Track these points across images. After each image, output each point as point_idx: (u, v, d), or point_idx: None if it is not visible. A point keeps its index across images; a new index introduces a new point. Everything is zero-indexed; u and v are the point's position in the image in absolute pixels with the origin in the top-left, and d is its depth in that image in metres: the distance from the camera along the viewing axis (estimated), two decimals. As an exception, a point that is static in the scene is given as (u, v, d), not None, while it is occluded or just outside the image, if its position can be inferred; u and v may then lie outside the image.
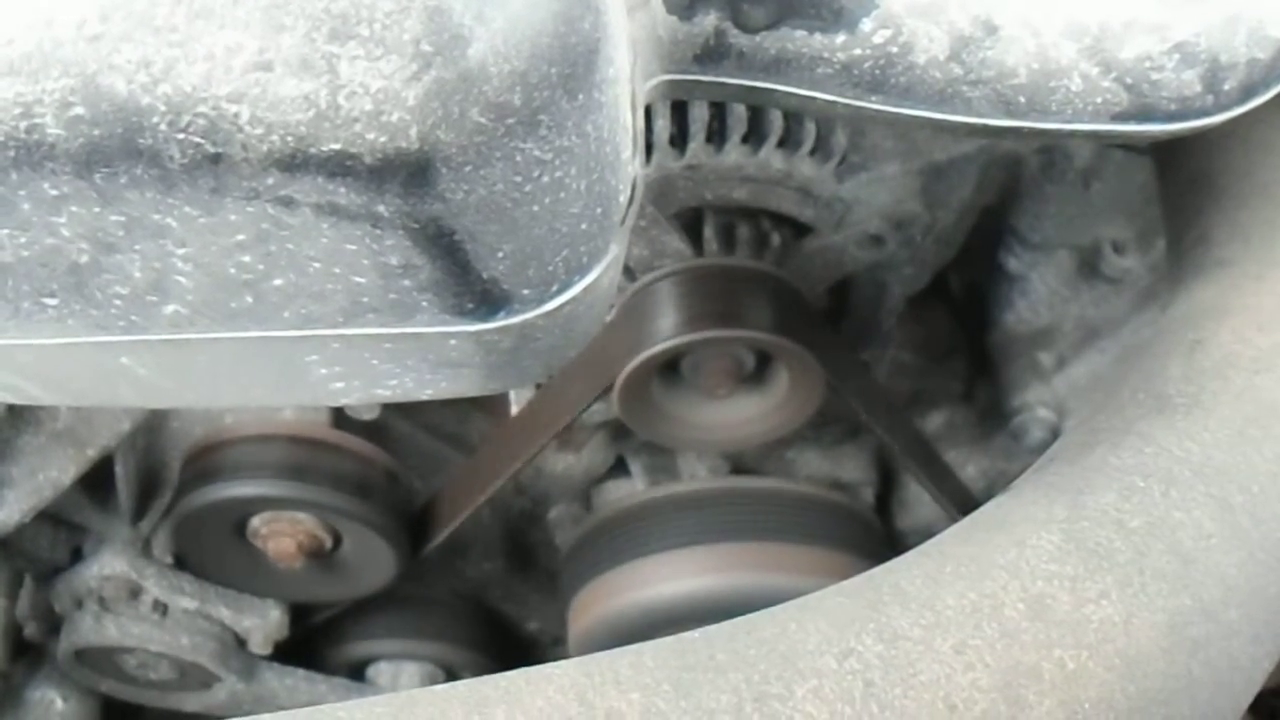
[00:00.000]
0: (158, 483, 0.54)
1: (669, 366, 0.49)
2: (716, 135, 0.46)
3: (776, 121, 0.46)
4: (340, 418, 0.53)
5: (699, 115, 0.45)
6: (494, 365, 0.30)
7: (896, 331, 0.54)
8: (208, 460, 0.51)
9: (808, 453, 0.57)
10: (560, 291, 0.28)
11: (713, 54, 0.29)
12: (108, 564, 0.53)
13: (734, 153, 0.46)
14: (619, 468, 0.56)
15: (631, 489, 0.55)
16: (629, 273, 0.49)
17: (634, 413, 0.49)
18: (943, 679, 0.25)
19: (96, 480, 0.52)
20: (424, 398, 0.32)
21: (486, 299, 0.27)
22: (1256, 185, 0.35)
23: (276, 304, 0.26)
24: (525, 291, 0.27)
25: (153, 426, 0.53)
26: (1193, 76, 0.28)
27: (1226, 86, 0.28)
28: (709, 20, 0.28)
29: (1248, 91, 0.29)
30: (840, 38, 0.28)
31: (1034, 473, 0.31)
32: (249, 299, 0.26)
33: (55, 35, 0.21)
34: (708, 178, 0.47)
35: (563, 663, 0.26)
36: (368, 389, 0.32)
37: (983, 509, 0.30)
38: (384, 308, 0.27)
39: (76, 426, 0.49)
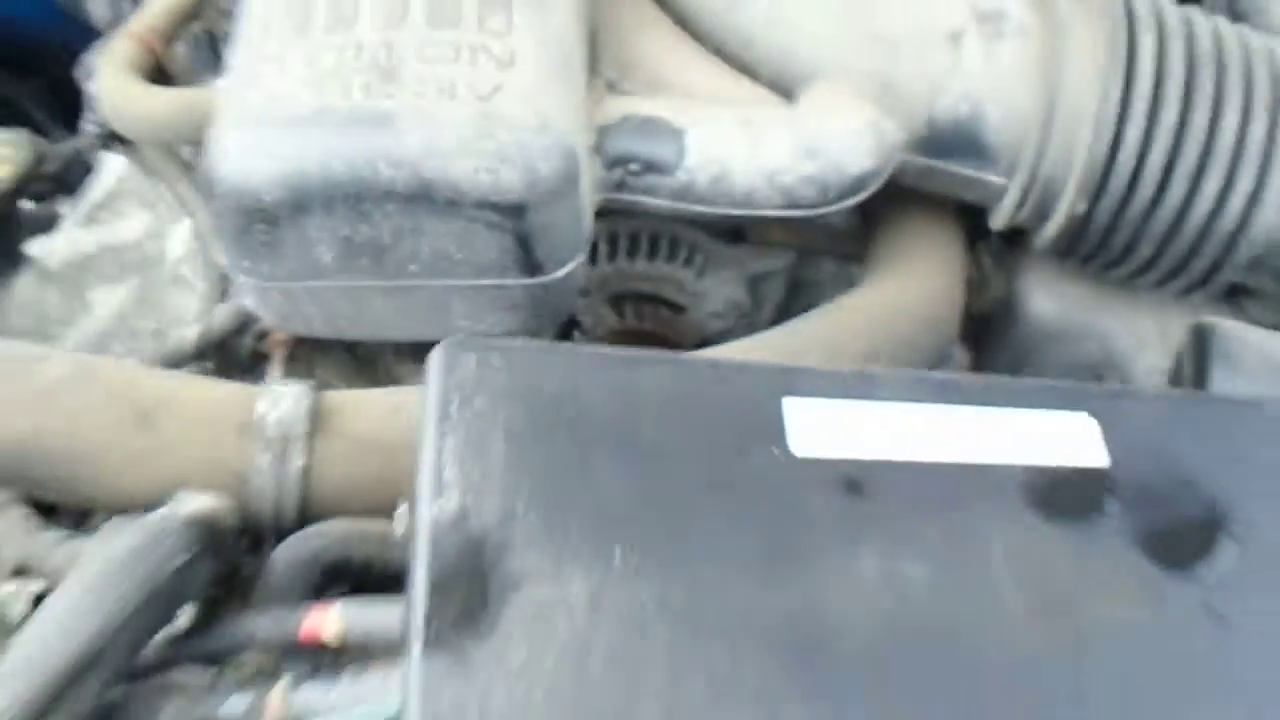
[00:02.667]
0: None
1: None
2: (633, 251, 0.94)
3: (664, 244, 0.95)
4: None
5: (623, 239, 0.94)
6: (532, 309, 0.76)
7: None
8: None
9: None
10: (562, 267, 0.74)
11: (621, 188, 0.77)
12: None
13: (641, 263, 0.95)
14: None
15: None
16: (583, 335, 0.96)
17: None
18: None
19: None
20: (498, 331, 0.77)
21: (536, 267, 0.73)
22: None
23: (455, 264, 0.72)
24: (551, 265, 0.73)
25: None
26: (813, 189, 0.77)
27: (831, 194, 0.78)
28: (619, 171, 0.77)
29: (841, 197, 0.79)
30: (675, 176, 0.77)
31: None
32: (446, 261, 0.71)
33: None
34: (626, 275, 0.95)
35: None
36: (473, 325, 0.77)
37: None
38: (492, 269, 0.72)
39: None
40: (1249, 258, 0.80)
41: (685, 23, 0.84)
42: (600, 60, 0.82)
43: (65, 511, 0.65)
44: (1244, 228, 0.78)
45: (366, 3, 0.70)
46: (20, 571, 0.59)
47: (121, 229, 0.94)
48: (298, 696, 0.47)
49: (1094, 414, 0.50)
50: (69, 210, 0.95)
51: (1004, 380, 0.52)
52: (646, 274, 0.94)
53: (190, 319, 0.89)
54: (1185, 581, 0.47)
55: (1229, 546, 0.48)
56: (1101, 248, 0.81)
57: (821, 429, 0.46)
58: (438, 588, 0.40)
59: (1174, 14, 0.80)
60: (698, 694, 0.39)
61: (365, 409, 0.65)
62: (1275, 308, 0.86)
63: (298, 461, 0.61)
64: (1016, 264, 0.90)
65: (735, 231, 0.95)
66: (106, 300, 0.94)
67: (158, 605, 0.49)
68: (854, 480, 0.45)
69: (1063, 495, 0.47)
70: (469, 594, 0.40)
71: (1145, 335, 0.86)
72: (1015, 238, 0.87)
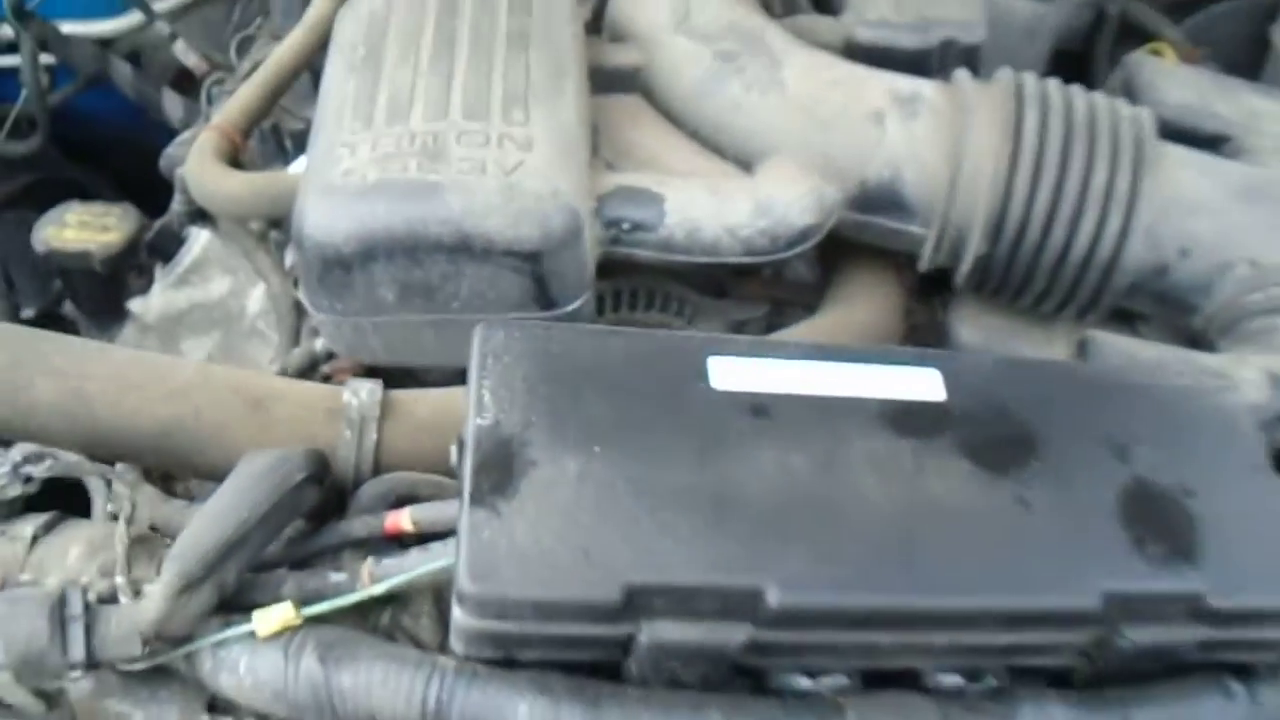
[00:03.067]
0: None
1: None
2: (633, 304, 1.21)
3: (659, 298, 1.22)
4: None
5: (625, 293, 1.21)
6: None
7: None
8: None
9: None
10: (572, 303, 1.01)
11: (616, 243, 1.05)
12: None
13: (639, 313, 1.22)
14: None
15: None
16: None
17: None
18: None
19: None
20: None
21: (550, 303, 1.00)
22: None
23: (488, 301, 0.99)
24: (563, 301, 1.00)
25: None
26: (766, 240, 1.05)
27: (781, 243, 1.06)
28: (614, 230, 1.05)
29: (790, 246, 1.06)
30: (658, 233, 1.05)
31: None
32: (481, 299, 0.99)
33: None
34: (627, 323, 1.22)
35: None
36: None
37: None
38: (516, 305, 0.99)
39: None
40: (1126, 285, 1.06)
41: (667, 113, 1.14)
42: (600, 145, 1.11)
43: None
44: (1117, 259, 1.04)
45: (417, 101, 1.00)
46: (153, 528, 0.85)
47: (208, 290, 1.24)
48: (379, 567, 0.73)
49: (938, 368, 0.76)
50: (163, 274, 1.25)
51: (874, 345, 0.79)
52: (644, 322, 1.21)
53: (265, 365, 1.17)
54: (1000, 479, 0.72)
55: (1034, 457, 0.74)
56: (1004, 282, 1.08)
57: (736, 374, 0.73)
58: (479, 468, 0.67)
59: (1056, 92, 1.08)
60: (649, 531, 0.65)
61: (423, 400, 0.92)
62: (1161, 327, 1.12)
63: (372, 437, 0.88)
64: (947, 302, 1.16)
65: (718, 287, 1.22)
66: (196, 349, 1.23)
67: (281, 511, 0.75)
68: (759, 405, 0.72)
69: (909, 419, 0.73)
70: (499, 471, 0.67)
71: (1056, 356, 1.12)
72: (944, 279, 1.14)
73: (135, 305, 1.23)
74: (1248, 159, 1.20)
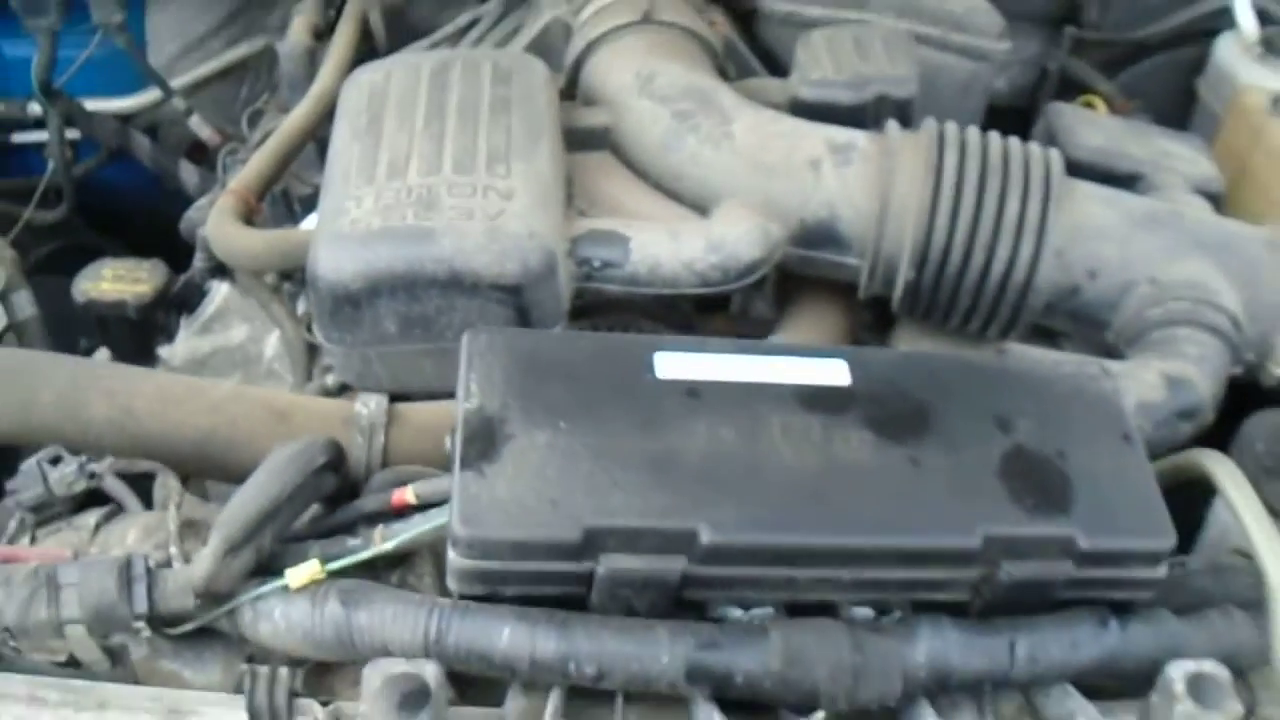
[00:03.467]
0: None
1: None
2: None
3: (634, 332, 1.45)
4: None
5: (603, 329, 1.44)
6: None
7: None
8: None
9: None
10: (551, 329, 1.24)
11: (588, 279, 1.28)
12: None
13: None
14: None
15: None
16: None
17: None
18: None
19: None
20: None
21: (532, 324, 1.22)
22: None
23: None
24: (544, 327, 1.23)
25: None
26: (718, 272, 1.28)
27: (732, 275, 1.29)
28: (585, 267, 1.28)
29: (740, 277, 1.29)
30: (625, 269, 1.28)
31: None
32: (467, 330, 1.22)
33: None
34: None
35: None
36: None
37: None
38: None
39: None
40: (1042, 304, 1.29)
41: (633, 166, 1.39)
42: (574, 195, 1.35)
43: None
44: (1031, 281, 1.27)
45: (413, 160, 1.24)
46: (189, 524, 1.07)
47: (228, 336, 1.48)
48: (388, 530, 0.95)
49: (845, 359, 0.99)
50: (187, 323, 1.49)
51: (790, 343, 1.01)
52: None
53: (280, 402, 1.40)
54: (897, 446, 0.94)
55: (927, 429, 0.96)
56: (933, 304, 1.31)
57: (676, 366, 0.96)
58: (467, 441, 0.89)
59: (973, 138, 1.32)
60: (604, 486, 0.87)
61: (422, 410, 1.15)
62: (1079, 343, 1.34)
63: (380, 440, 1.10)
64: (891, 328, 1.39)
65: (687, 323, 1.45)
66: (218, 390, 1.46)
67: (307, 489, 0.97)
68: (693, 389, 0.94)
69: (818, 399, 0.96)
70: (483, 443, 0.89)
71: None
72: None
73: (163, 351, 1.46)
74: (1157, 194, 1.44)
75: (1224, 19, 1.76)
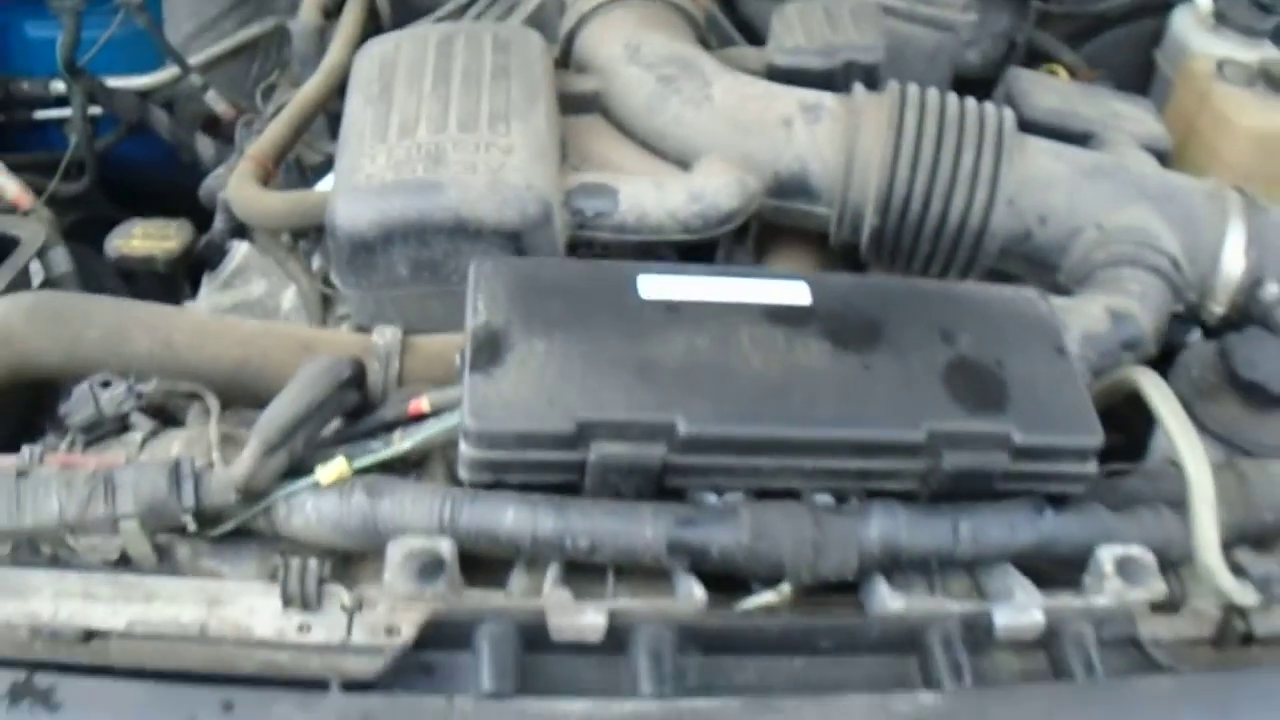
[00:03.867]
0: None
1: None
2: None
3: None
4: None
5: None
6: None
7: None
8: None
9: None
10: None
11: (581, 227, 1.44)
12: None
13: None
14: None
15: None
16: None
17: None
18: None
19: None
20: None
21: None
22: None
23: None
24: None
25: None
26: (699, 220, 1.44)
27: (712, 222, 1.45)
28: (578, 216, 1.44)
29: (720, 224, 1.45)
30: (614, 218, 1.44)
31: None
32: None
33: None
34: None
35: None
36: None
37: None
38: None
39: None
40: (996, 249, 1.45)
41: (621, 127, 1.55)
42: (568, 153, 1.51)
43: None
44: (986, 226, 1.43)
45: (421, 121, 1.40)
46: (228, 437, 1.22)
47: (248, 291, 1.63)
48: (405, 432, 1.11)
49: (806, 283, 1.14)
50: (209, 280, 1.64)
51: (757, 268, 1.17)
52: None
53: (298, 351, 1.56)
54: (850, 353, 1.10)
55: (878, 340, 1.12)
56: (897, 249, 1.47)
57: (658, 288, 1.11)
58: (475, 349, 1.05)
59: (933, 98, 1.48)
60: (594, 386, 1.03)
61: (433, 340, 1.31)
62: (1033, 284, 1.49)
63: (395, 367, 1.26)
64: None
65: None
66: (239, 342, 1.62)
67: (332, 401, 1.12)
68: (673, 306, 1.10)
69: (783, 315, 1.12)
70: (490, 351, 1.05)
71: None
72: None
73: (188, 306, 1.62)
74: (1108, 151, 1.60)
75: (1181, -9, 1.93)
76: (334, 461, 1.08)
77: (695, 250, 1.53)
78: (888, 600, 1.06)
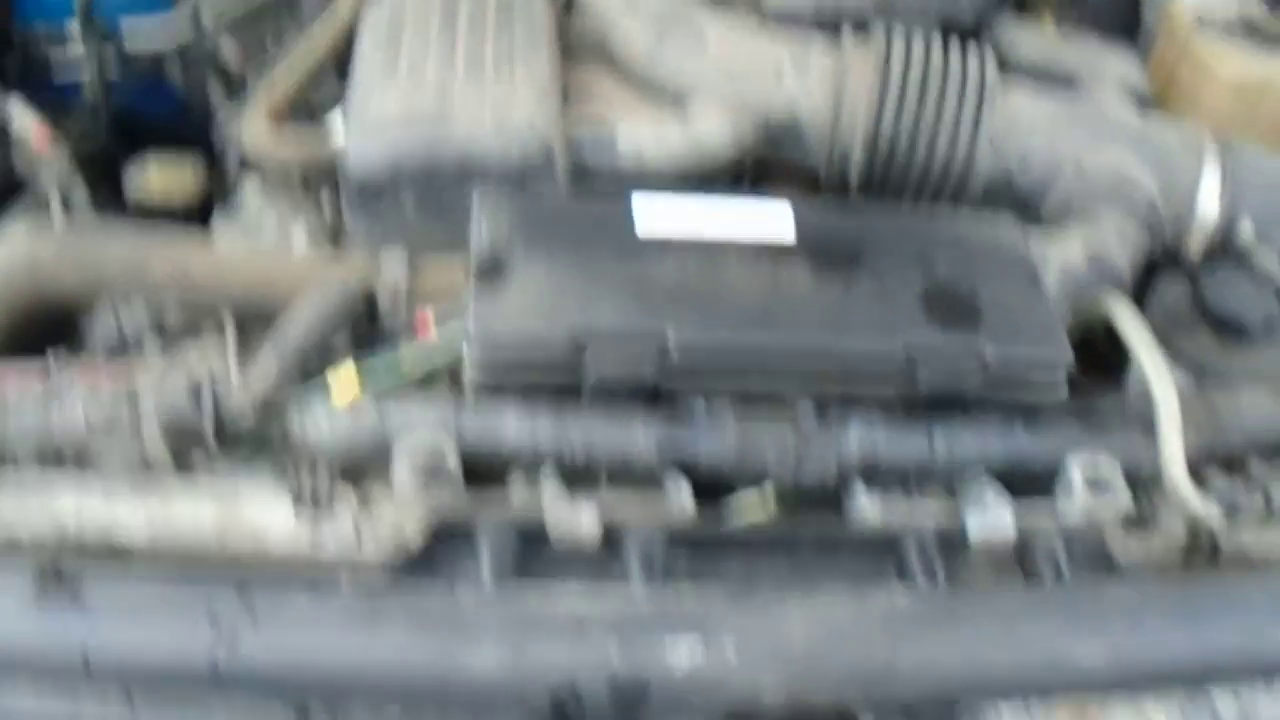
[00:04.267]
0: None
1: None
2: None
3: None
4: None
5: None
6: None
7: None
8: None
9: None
10: None
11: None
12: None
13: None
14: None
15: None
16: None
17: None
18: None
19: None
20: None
21: None
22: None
23: None
24: None
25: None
26: (696, 161, 1.51)
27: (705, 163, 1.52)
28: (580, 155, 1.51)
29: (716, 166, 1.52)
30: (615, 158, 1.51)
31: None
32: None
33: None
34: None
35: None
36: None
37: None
38: None
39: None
40: (979, 189, 1.52)
41: (621, 71, 1.60)
42: (569, 96, 1.57)
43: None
44: (970, 165, 1.50)
45: (429, 62, 1.46)
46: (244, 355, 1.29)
47: (260, 228, 1.70)
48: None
49: (790, 208, 1.22)
50: (220, 217, 1.71)
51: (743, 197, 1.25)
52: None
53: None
54: (833, 276, 1.17)
55: (859, 265, 1.19)
56: (884, 191, 1.53)
57: (652, 216, 1.19)
58: (479, 270, 1.13)
59: (918, 44, 1.54)
60: (590, 302, 1.11)
61: (439, 265, 1.38)
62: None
63: (404, 287, 1.33)
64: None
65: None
66: (252, 276, 1.69)
67: (343, 315, 1.20)
68: (665, 241, 1.18)
69: (771, 251, 1.18)
70: (493, 271, 1.12)
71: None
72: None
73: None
74: (1088, 95, 1.66)
75: (1168, -57, 1.98)
76: (343, 367, 1.16)
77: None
78: (866, 508, 1.14)
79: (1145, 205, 1.50)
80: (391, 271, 1.35)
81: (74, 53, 2.11)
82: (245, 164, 1.70)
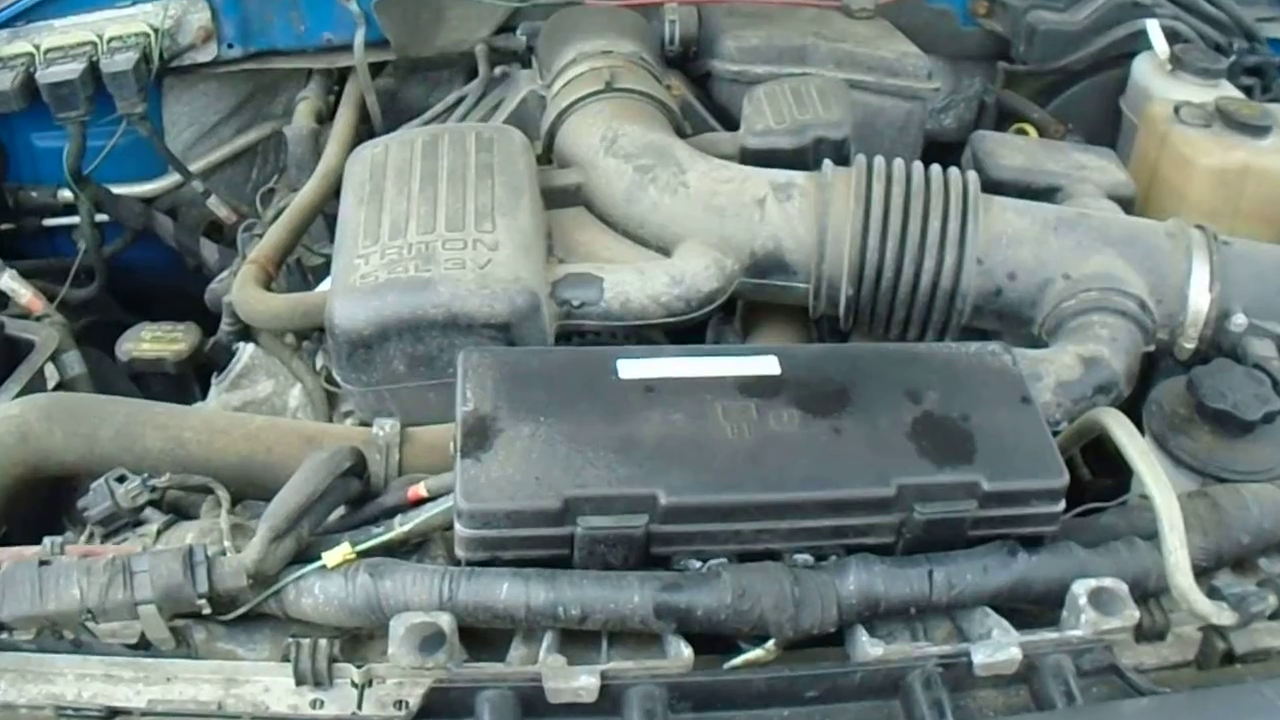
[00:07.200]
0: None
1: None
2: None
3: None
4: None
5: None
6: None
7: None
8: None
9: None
10: None
11: (568, 316, 1.57)
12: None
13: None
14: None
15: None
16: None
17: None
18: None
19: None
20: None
21: None
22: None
23: None
24: None
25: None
26: (681, 303, 1.56)
27: (694, 305, 1.57)
28: (565, 306, 1.56)
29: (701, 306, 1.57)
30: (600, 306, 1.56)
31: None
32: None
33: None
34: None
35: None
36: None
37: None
38: None
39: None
40: (970, 308, 1.56)
41: (603, 218, 1.68)
42: (553, 245, 1.63)
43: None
44: (957, 287, 1.55)
45: (411, 221, 1.53)
46: (238, 527, 1.33)
47: (255, 391, 1.76)
48: (405, 517, 1.22)
49: (775, 354, 1.26)
50: (217, 380, 1.77)
51: (723, 345, 1.29)
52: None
53: (306, 446, 1.68)
54: (821, 419, 1.21)
55: (846, 404, 1.23)
56: (874, 316, 1.58)
57: (636, 369, 1.23)
58: (465, 435, 1.17)
59: (898, 167, 1.60)
60: (578, 464, 1.15)
61: (429, 431, 1.43)
62: (1009, 340, 1.60)
63: (395, 457, 1.38)
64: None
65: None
66: (249, 441, 1.74)
67: (336, 489, 1.24)
68: (649, 386, 1.22)
69: (753, 386, 1.23)
70: (479, 436, 1.17)
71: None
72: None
73: (198, 405, 1.74)
74: (1073, 202, 1.72)
75: (1141, 40, 2.05)
76: (339, 546, 1.20)
77: (685, 332, 1.64)
78: (868, 648, 1.16)
79: (1137, 307, 1.54)
80: (383, 439, 1.39)
81: (67, 212, 2.21)
82: (239, 326, 1.77)
